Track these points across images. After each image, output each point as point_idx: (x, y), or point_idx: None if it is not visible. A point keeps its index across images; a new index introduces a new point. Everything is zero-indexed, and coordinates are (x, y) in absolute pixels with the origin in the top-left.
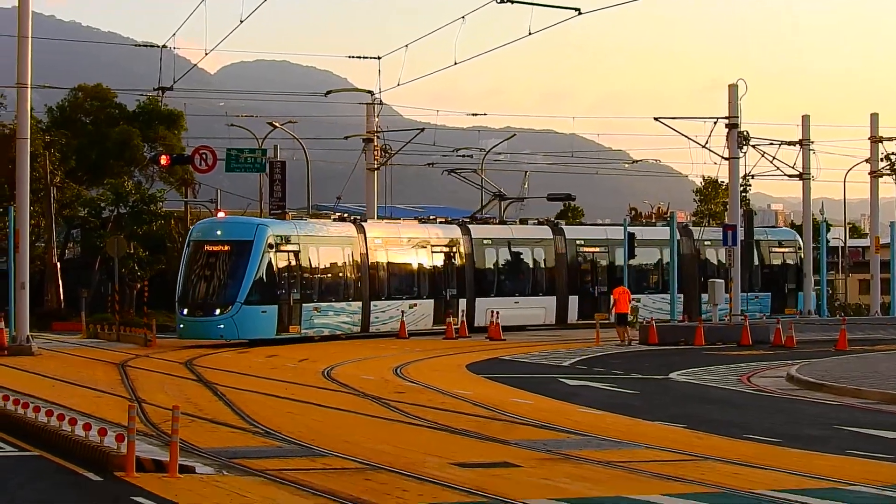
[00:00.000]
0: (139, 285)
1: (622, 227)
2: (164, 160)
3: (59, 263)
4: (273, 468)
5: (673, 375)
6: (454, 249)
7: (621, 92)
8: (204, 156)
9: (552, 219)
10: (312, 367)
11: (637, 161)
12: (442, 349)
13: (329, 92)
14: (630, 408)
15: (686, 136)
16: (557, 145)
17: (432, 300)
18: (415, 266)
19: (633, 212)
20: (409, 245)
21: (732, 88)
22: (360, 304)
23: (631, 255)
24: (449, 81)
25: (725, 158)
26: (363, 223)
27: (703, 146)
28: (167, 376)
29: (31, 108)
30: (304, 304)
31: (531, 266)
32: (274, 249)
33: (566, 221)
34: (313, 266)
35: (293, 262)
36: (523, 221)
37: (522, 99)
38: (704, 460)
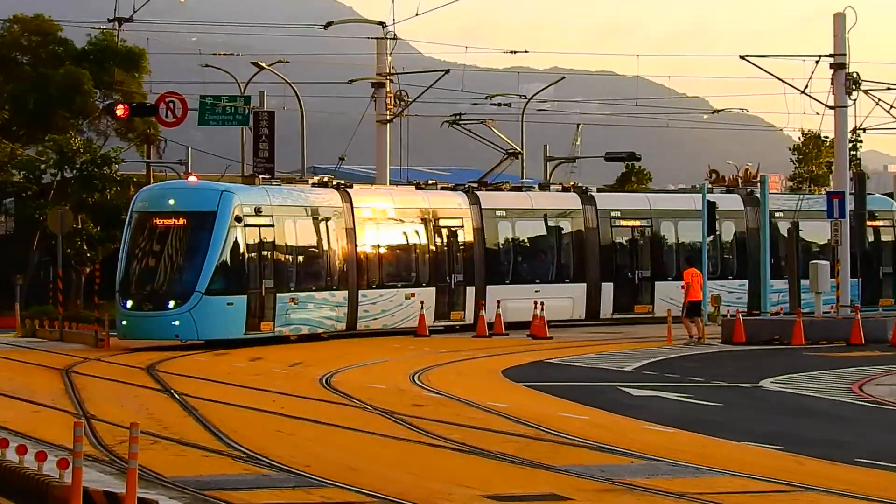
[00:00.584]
0: (89, 269)
1: (673, 195)
2: (120, 110)
3: None
4: (257, 502)
5: (764, 383)
6: (460, 223)
7: (699, 24)
8: (171, 105)
9: (612, 184)
10: (307, 372)
11: (718, 111)
12: (471, 350)
13: (330, 23)
14: (710, 424)
15: (780, 80)
16: (618, 91)
17: (434, 289)
18: (412, 245)
19: (714, 175)
20: (405, 218)
21: (838, 19)
22: (345, 293)
23: (711, 229)
24: (480, 10)
25: (830, 107)
26: (348, 189)
27: (802, 92)
28: (124, 385)
29: None
30: (278, 294)
31: (554, 244)
32: (242, 223)
33: (628, 186)
34: (289, 245)
35: (266, 240)
36: (543, 187)
37: (573, 33)
38: (805, 491)
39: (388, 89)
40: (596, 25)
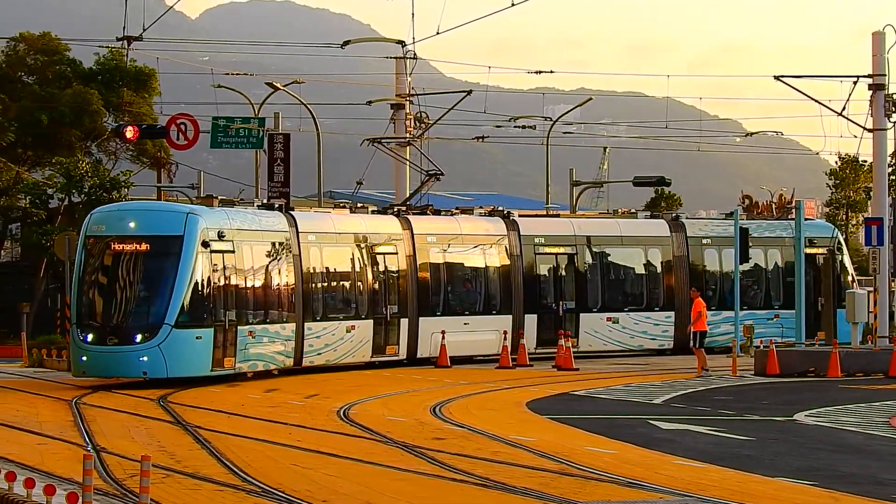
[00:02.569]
0: None
1: (599, 220)
2: (130, 132)
3: None
4: None
5: (799, 416)
6: (394, 250)
7: (732, 43)
8: (182, 127)
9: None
10: (324, 404)
11: (752, 133)
12: (494, 381)
13: (347, 42)
14: (742, 459)
15: (817, 101)
16: (647, 113)
17: (371, 321)
18: (352, 273)
19: (747, 200)
20: (344, 243)
21: (878, 38)
22: (293, 326)
23: (744, 257)
24: (504, 29)
25: (868, 130)
26: (292, 212)
27: (839, 114)
28: (134, 417)
29: None
30: (239, 327)
31: (482, 273)
32: (208, 249)
33: (656, 211)
34: (248, 273)
35: (228, 268)
36: (467, 212)
37: (602, 52)
38: None
39: (407, 111)
40: (625, 45)
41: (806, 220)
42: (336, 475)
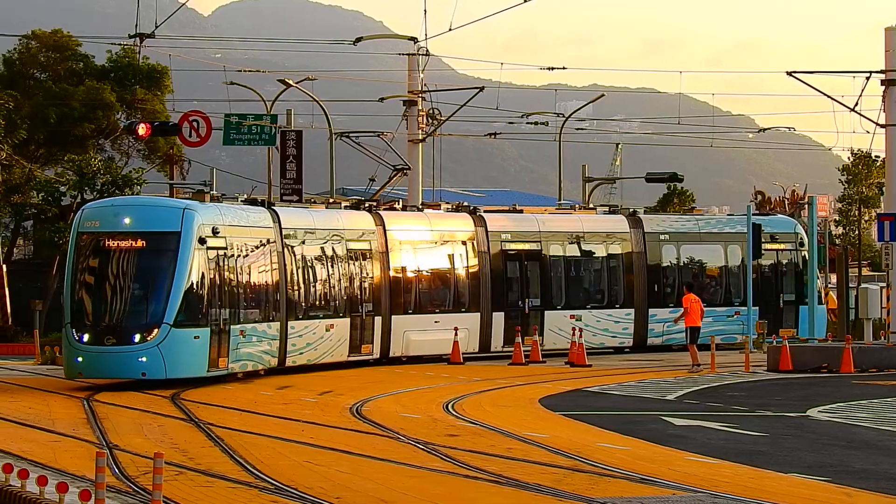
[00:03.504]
0: None
1: (563, 216)
2: (142, 130)
3: (4, 266)
4: None
5: (812, 412)
6: (368, 246)
7: (746, 40)
8: (195, 124)
9: (660, 205)
10: (338, 401)
11: (765, 129)
12: (507, 378)
13: (359, 39)
14: (755, 455)
15: (829, 97)
16: (659, 109)
17: (348, 319)
18: (331, 270)
19: (760, 196)
20: (323, 239)
21: (890, 33)
22: (278, 325)
23: (757, 253)
24: (516, 26)
25: (881, 126)
26: (274, 207)
27: (852, 109)
28: (147, 414)
29: None
30: (231, 326)
31: (451, 270)
32: (205, 245)
33: (670, 209)
34: (239, 270)
35: (221, 265)
36: (434, 206)
37: (614, 48)
38: None
39: (420, 107)
40: (638, 42)
41: (765, 215)
42: (349, 472)
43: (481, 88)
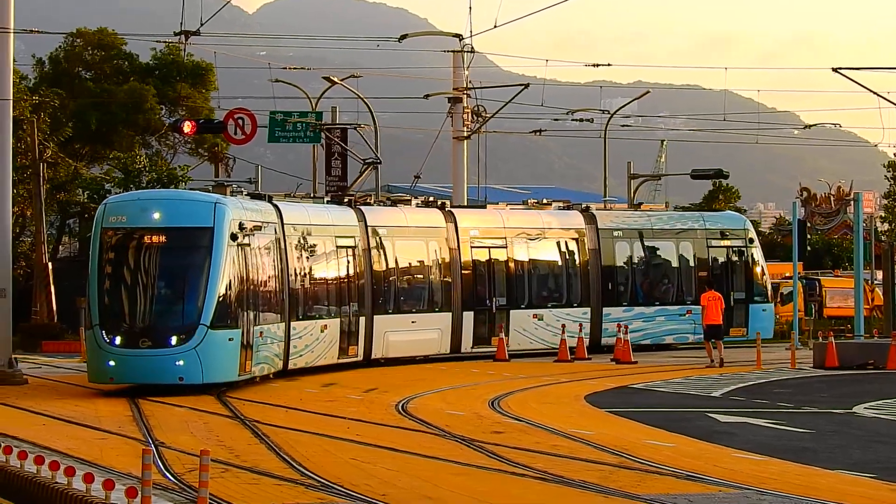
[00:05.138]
0: None
1: (525, 212)
2: (187, 127)
3: (50, 264)
4: None
5: (858, 409)
6: (353, 242)
7: (795, 37)
8: (240, 121)
9: (705, 202)
10: (383, 398)
11: (811, 126)
12: (553, 375)
13: (404, 36)
14: (802, 452)
15: (875, 93)
16: (704, 105)
17: (338, 319)
18: (325, 267)
19: (805, 193)
20: (318, 235)
21: None
22: (283, 326)
23: (802, 244)
24: (561, 23)
25: None
26: (278, 203)
27: None
28: (193, 412)
29: (14, 60)
30: (254, 327)
31: (425, 267)
32: (236, 242)
33: (715, 206)
34: (259, 268)
35: (247, 263)
36: (404, 202)
37: (660, 45)
38: None
39: (465, 104)
40: (689, 38)
41: (713, 210)
42: (395, 469)
43: (526, 85)
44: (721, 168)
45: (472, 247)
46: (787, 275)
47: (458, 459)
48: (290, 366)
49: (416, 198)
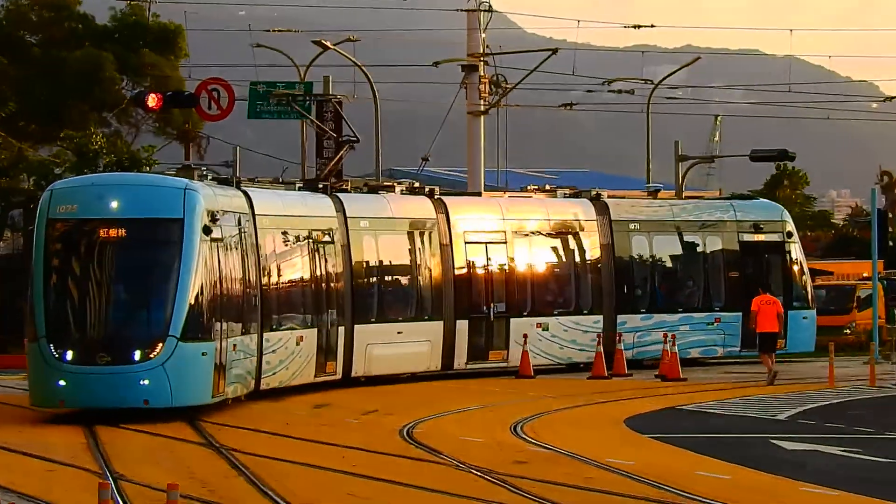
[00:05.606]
0: None
1: (529, 201)
2: (152, 101)
3: None
4: None
5: None
6: (330, 238)
7: None
8: (215, 94)
9: (760, 188)
10: (385, 422)
11: (891, 98)
12: (586, 394)
13: None
14: (882, 485)
15: None
16: (766, 74)
17: (315, 330)
18: (301, 267)
19: (886, 177)
20: (291, 229)
21: None
22: (256, 338)
23: (883, 238)
24: None
25: None
26: (248, 190)
27: None
28: (158, 438)
29: None
30: (227, 340)
31: (413, 268)
32: (209, 236)
33: (779, 192)
34: (230, 267)
35: (219, 261)
36: (386, 189)
37: (714, 2)
38: None
39: (482, 73)
40: None
41: (744, 197)
42: None
43: (554, 51)
44: (786, 148)
45: (466, 242)
46: (865, 275)
47: (474, 495)
48: (262, 385)
49: (399, 183)
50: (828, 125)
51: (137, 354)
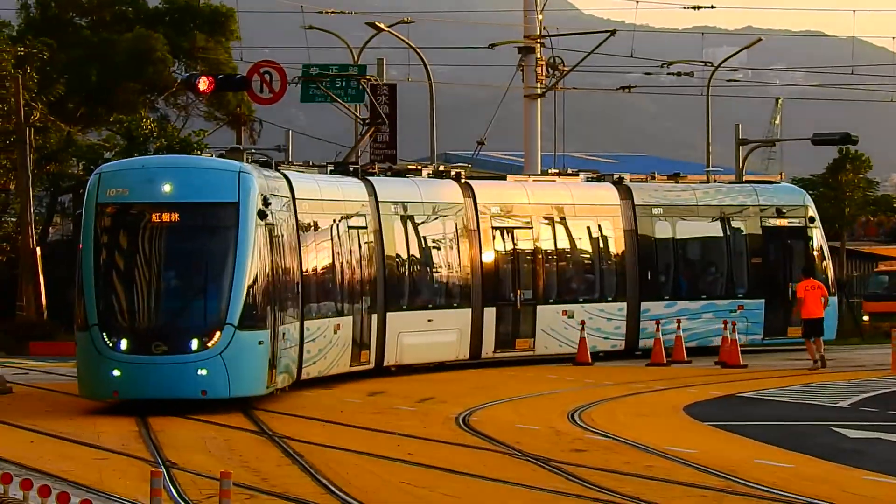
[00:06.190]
0: None
1: (552, 184)
2: (203, 84)
3: (38, 249)
4: None
5: None
6: (363, 223)
7: None
8: (267, 77)
9: (823, 173)
10: (440, 409)
11: None
12: (645, 381)
13: None
14: None
15: None
16: (828, 56)
17: (351, 318)
18: (337, 252)
19: None
20: (327, 213)
21: None
22: (298, 326)
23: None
24: None
25: None
26: (282, 171)
27: None
28: (211, 426)
29: None
30: (279, 328)
31: (443, 253)
32: (264, 221)
33: (842, 176)
34: (283, 253)
35: (273, 247)
36: (414, 172)
37: None
38: None
39: (538, 55)
40: None
41: (765, 182)
42: (455, 495)
43: (613, 32)
44: (848, 132)
45: (493, 227)
46: None
47: (530, 483)
48: (303, 375)
49: (426, 167)
50: (892, 108)
51: (195, 343)
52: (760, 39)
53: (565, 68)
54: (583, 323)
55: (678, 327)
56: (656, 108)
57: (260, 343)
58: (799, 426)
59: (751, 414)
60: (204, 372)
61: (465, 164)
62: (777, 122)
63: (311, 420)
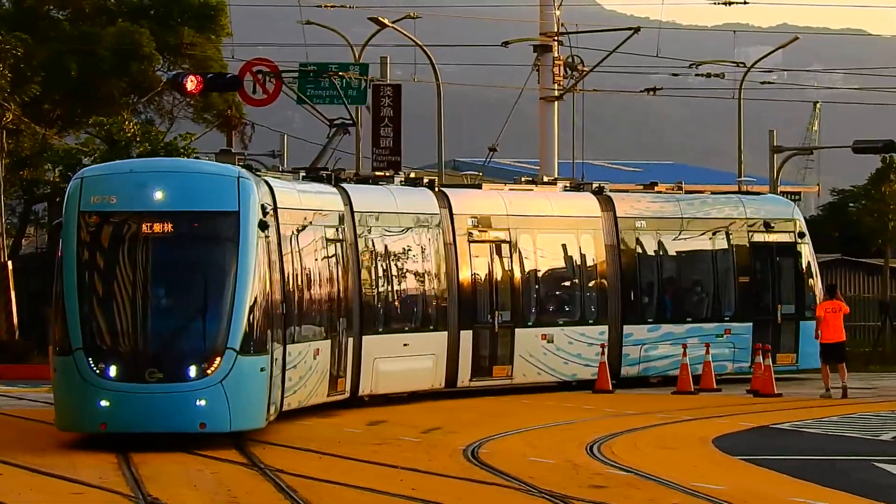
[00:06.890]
0: None
1: (534, 194)
2: (191, 84)
3: (10, 262)
4: None
5: None
6: (340, 235)
7: None
8: (260, 76)
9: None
10: (447, 441)
11: None
12: (670, 411)
13: None
14: None
15: None
16: (870, 56)
17: (329, 341)
18: (319, 269)
19: None
20: (307, 225)
21: None
22: (281, 350)
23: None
24: None
25: None
26: (266, 178)
27: None
28: (197, 457)
29: None
30: (274, 353)
31: (418, 269)
32: (264, 233)
33: (885, 187)
34: (272, 269)
35: (270, 262)
36: (385, 179)
37: None
38: None
39: (556, 54)
40: None
41: (754, 193)
42: None
43: (636, 30)
44: (893, 139)
45: (469, 241)
46: None
47: None
48: (284, 406)
49: (398, 174)
50: None
51: (193, 370)
52: (797, 38)
53: (585, 68)
54: (602, 346)
55: (684, 353)
56: (683, 112)
57: (262, 370)
58: (837, 461)
59: (785, 447)
60: (203, 402)
61: (476, 173)
62: (815, 128)
63: (306, 452)
